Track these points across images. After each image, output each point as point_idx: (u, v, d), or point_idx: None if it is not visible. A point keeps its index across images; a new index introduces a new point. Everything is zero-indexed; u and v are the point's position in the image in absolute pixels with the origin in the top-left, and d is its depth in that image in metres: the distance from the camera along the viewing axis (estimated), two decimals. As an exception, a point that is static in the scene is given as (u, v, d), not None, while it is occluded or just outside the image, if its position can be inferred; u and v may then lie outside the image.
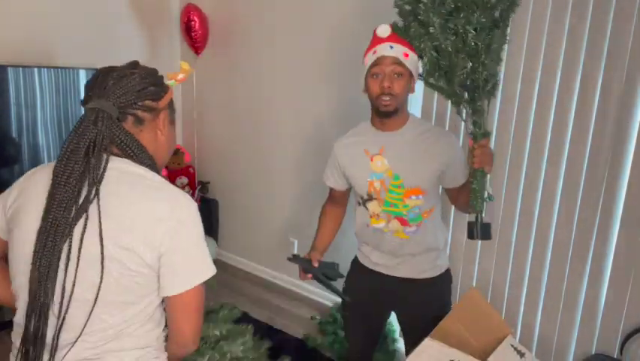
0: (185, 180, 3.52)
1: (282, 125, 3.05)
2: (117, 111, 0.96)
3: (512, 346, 1.52)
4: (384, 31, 1.53)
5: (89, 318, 0.91)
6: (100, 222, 0.89)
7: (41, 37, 2.79)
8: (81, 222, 0.89)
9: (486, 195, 1.49)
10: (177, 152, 3.55)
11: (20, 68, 2.57)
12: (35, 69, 2.62)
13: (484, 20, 1.36)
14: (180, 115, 3.74)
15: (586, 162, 1.90)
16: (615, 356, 1.90)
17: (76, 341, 0.91)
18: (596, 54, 1.83)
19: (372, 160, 1.60)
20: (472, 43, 1.37)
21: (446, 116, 2.26)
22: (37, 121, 2.65)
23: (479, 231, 1.49)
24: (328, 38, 2.70)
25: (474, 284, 2.25)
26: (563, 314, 2.03)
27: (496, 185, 2.14)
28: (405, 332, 1.83)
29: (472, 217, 1.54)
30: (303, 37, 2.84)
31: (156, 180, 0.97)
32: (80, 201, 0.90)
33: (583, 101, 1.88)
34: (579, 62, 1.87)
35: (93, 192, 0.90)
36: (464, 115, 1.51)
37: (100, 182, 0.91)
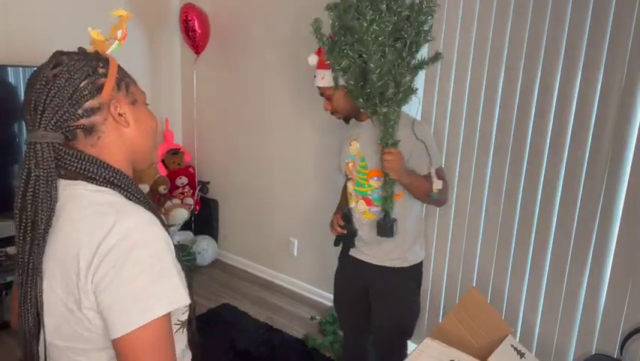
0: (185, 180, 3.52)
1: (282, 125, 3.05)
2: (59, 134, 0.81)
3: (512, 346, 1.52)
4: (311, 61, 1.84)
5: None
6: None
7: (41, 37, 2.79)
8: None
9: (433, 190, 1.66)
10: (177, 152, 3.55)
11: (20, 68, 2.57)
12: (35, 69, 2.62)
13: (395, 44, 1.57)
14: (180, 115, 3.74)
15: (586, 162, 1.90)
16: (615, 356, 1.90)
17: None
18: (596, 54, 1.83)
19: (350, 145, 1.83)
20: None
21: (446, 117, 2.26)
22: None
23: (381, 229, 1.68)
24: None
25: (474, 284, 2.25)
26: (563, 314, 2.03)
27: (496, 185, 2.14)
28: (375, 322, 1.88)
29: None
30: (304, 37, 2.84)
31: (105, 203, 0.82)
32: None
33: (583, 101, 1.88)
34: (579, 62, 1.87)
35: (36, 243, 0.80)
36: (375, 122, 1.70)
37: (46, 227, 0.80)
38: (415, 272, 1.82)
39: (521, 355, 1.51)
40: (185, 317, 0.93)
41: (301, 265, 3.12)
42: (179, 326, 0.91)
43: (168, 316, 0.79)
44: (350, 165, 1.82)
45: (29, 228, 0.81)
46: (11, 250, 2.67)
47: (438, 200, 1.74)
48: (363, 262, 1.81)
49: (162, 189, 3.35)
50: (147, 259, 0.77)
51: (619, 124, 1.81)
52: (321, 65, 1.78)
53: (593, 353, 1.96)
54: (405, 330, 1.87)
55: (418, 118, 2.34)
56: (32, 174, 0.80)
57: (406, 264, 1.78)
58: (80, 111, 0.82)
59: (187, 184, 3.53)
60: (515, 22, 2.00)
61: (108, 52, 0.92)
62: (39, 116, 0.80)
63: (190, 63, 3.46)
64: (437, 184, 1.65)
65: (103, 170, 0.84)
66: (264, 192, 3.24)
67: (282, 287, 3.21)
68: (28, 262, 0.81)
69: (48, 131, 0.80)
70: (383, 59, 1.54)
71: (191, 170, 3.57)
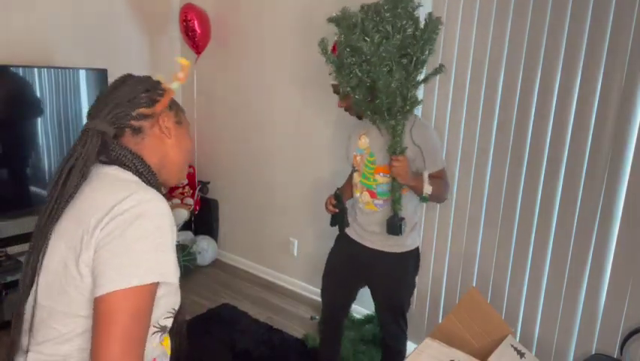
0: (185, 180, 3.52)
1: (282, 125, 3.05)
2: (112, 128, 0.93)
3: (512, 346, 1.52)
4: None
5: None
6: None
7: (41, 37, 2.79)
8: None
9: (424, 195, 1.78)
10: (177, 152, 3.54)
11: (20, 68, 2.57)
12: (35, 69, 2.62)
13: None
14: (180, 115, 3.73)
15: (586, 162, 1.90)
16: (615, 356, 1.90)
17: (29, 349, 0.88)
18: (596, 54, 1.83)
19: (360, 138, 1.91)
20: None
21: (446, 118, 2.26)
22: (37, 121, 2.65)
23: (391, 227, 1.79)
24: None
25: (474, 284, 2.25)
26: (563, 314, 2.03)
27: (496, 185, 2.14)
28: (375, 302, 2.01)
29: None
30: (304, 37, 2.84)
31: (131, 180, 0.92)
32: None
33: (583, 102, 1.88)
34: (579, 62, 1.87)
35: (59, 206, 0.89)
36: (382, 131, 1.80)
37: (68, 200, 0.89)
38: (411, 256, 1.92)
39: (521, 355, 1.51)
40: (166, 322, 0.93)
41: (301, 265, 3.12)
42: (157, 330, 0.91)
43: (154, 288, 0.83)
44: (358, 158, 1.91)
45: (54, 201, 0.90)
46: (11, 250, 2.67)
47: (433, 200, 1.87)
48: (363, 245, 1.92)
49: (162, 189, 3.34)
50: (152, 230, 0.83)
51: (619, 124, 1.81)
52: None
53: (593, 353, 1.96)
54: (403, 306, 1.99)
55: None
56: (75, 154, 0.90)
57: (404, 249, 1.88)
58: (134, 113, 0.95)
59: (187, 184, 3.53)
60: (515, 22, 2.00)
61: (172, 85, 1.07)
62: (101, 110, 0.94)
63: (190, 63, 3.46)
64: (427, 189, 1.75)
65: (137, 162, 0.94)
66: (264, 192, 3.24)
67: (282, 287, 3.21)
68: (41, 229, 0.89)
69: (103, 122, 0.92)
70: (390, 77, 1.64)
71: (191, 170, 3.57)
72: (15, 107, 2.58)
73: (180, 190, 3.50)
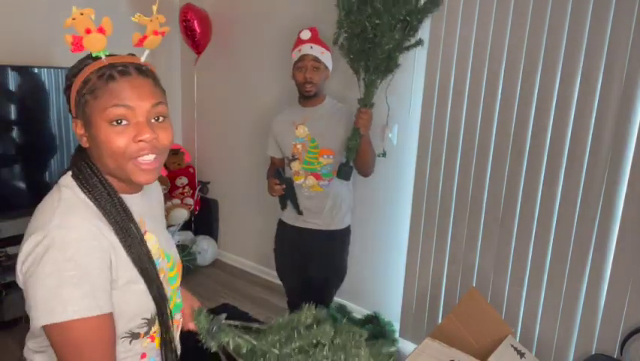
0: (185, 180, 3.52)
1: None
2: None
3: (512, 346, 1.53)
4: (306, 35, 2.12)
5: None
6: None
7: (41, 37, 2.79)
8: None
9: (382, 150, 2.31)
10: (177, 152, 3.55)
11: (20, 68, 2.57)
12: (35, 69, 2.62)
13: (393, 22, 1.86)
14: (180, 115, 3.74)
15: (586, 162, 1.90)
16: (615, 356, 1.90)
17: None
18: (596, 54, 1.83)
19: (296, 128, 2.13)
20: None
21: (446, 117, 2.26)
22: (37, 121, 2.65)
23: (342, 172, 2.06)
24: (330, 38, 2.70)
25: (474, 284, 2.25)
26: (563, 314, 2.03)
27: (496, 185, 2.14)
28: (314, 282, 2.19)
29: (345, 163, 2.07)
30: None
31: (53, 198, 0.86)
32: None
33: (583, 101, 1.88)
34: (579, 61, 1.87)
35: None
36: (360, 86, 2.02)
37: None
38: (345, 233, 2.24)
39: (521, 355, 1.51)
40: (140, 329, 0.90)
41: (301, 265, 3.12)
42: (127, 337, 0.89)
43: (84, 321, 0.78)
44: (299, 146, 2.12)
45: None
46: (11, 250, 2.67)
47: (370, 162, 2.15)
48: (305, 229, 2.18)
49: (162, 189, 3.34)
50: (61, 262, 0.77)
51: (619, 124, 1.81)
52: (317, 41, 2.11)
53: (593, 353, 1.96)
54: (337, 279, 2.27)
55: (417, 118, 2.34)
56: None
57: (341, 226, 2.19)
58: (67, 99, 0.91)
59: (187, 184, 3.53)
60: (515, 22, 2.00)
61: (143, 58, 0.95)
62: None
63: (190, 63, 3.46)
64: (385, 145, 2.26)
65: (74, 165, 0.89)
66: (264, 192, 3.24)
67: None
68: None
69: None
70: (391, 36, 1.84)
71: (191, 170, 3.57)
72: (15, 107, 2.58)
73: (180, 190, 3.50)
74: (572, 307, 2.00)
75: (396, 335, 2.52)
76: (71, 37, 0.83)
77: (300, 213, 2.17)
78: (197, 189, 3.52)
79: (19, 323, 2.63)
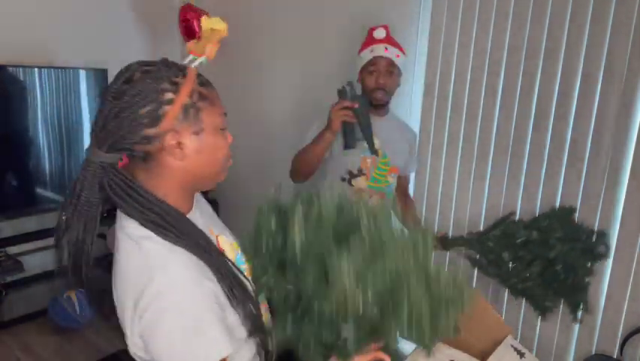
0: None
1: (282, 125, 3.05)
2: (114, 156, 0.79)
3: (512, 346, 1.52)
4: (380, 33, 1.82)
5: None
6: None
7: (41, 37, 2.78)
8: None
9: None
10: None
11: (20, 68, 2.57)
12: (35, 69, 2.62)
13: None
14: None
15: (586, 162, 1.90)
16: (615, 356, 1.90)
17: None
18: (596, 53, 1.83)
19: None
20: None
21: (446, 116, 2.26)
22: (37, 121, 2.65)
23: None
24: (331, 38, 2.70)
25: (474, 284, 2.25)
26: (563, 314, 2.03)
27: (496, 184, 2.14)
28: None
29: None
30: (305, 38, 2.84)
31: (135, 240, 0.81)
32: None
33: (583, 101, 1.88)
34: (579, 61, 1.87)
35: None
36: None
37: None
38: None
39: (521, 355, 1.51)
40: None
41: (301, 265, 3.11)
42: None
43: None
44: (368, 160, 1.83)
45: (76, 242, 0.80)
46: (11, 250, 2.67)
47: None
48: None
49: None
50: (179, 320, 0.77)
51: (619, 124, 1.81)
52: (392, 42, 1.84)
53: (593, 353, 1.96)
54: None
55: (417, 121, 2.34)
56: (82, 195, 0.78)
57: None
58: (136, 138, 0.78)
59: (187, 184, 3.52)
60: (515, 23, 2.00)
61: (194, 65, 0.86)
62: (97, 133, 0.78)
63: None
64: None
65: (147, 206, 0.80)
66: (264, 192, 3.23)
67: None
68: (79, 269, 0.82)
69: (102, 151, 0.77)
70: None
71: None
72: (15, 107, 2.58)
73: (180, 190, 3.50)
74: (572, 308, 2.00)
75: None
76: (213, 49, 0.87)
77: (375, 152, 1.78)
78: (197, 189, 3.52)
79: (19, 323, 2.63)
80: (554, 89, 1.94)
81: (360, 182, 1.84)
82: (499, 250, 1.59)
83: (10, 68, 2.53)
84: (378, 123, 1.79)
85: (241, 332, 0.87)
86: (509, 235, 1.57)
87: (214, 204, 3.59)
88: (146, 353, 0.81)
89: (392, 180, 1.86)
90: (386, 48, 1.79)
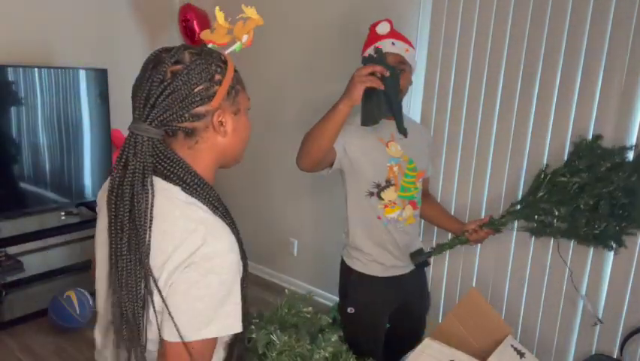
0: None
1: (282, 125, 3.05)
2: (161, 132, 0.83)
3: (512, 346, 1.52)
4: (384, 28, 1.61)
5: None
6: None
7: (41, 37, 2.79)
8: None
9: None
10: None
11: (20, 68, 2.57)
12: (35, 69, 2.62)
13: None
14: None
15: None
16: (615, 356, 1.90)
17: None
18: (596, 53, 1.83)
19: (387, 146, 1.61)
20: None
21: (446, 120, 2.26)
22: (37, 121, 2.65)
23: (421, 263, 1.70)
24: (331, 38, 2.70)
25: (474, 284, 2.25)
26: (563, 314, 2.03)
27: (496, 186, 2.14)
28: (406, 330, 1.81)
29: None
30: (305, 38, 2.84)
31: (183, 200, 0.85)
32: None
33: (583, 101, 1.88)
34: (579, 61, 1.87)
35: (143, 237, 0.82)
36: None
37: (149, 226, 0.82)
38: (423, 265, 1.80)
39: (521, 355, 1.51)
40: (226, 338, 0.94)
41: (301, 265, 3.12)
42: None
43: (214, 339, 0.84)
44: (395, 168, 1.61)
45: (126, 217, 0.81)
46: (11, 250, 2.67)
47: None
48: (404, 276, 1.70)
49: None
50: (216, 285, 0.81)
51: (619, 124, 1.81)
52: (398, 35, 1.62)
53: (593, 353, 1.96)
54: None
55: (418, 114, 2.34)
56: (130, 165, 0.82)
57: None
58: (187, 115, 0.83)
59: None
60: (515, 22, 2.00)
61: (228, 52, 0.95)
62: (148, 110, 0.82)
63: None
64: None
65: (187, 175, 0.85)
66: (264, 192, 3.24)
67: (282, 287, 3.21)
68: (128, 251, 0.81)
69: (152, 127, 0.82)
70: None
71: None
72: (15, 107, 2.58)
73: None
74: (572, 308, 2.00)
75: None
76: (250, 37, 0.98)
77: (404, 132, 1.54)
78: (197, 189, 3.52)
79: (19, 323, 2.63)
80: (554, 88, 1.94)
81: (389, 193, 1.62)
82: (553, 207, 1.55)
83: (10, 68, 2.53)
84: (395, 128, 1.58)
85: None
86: (560, 188, 1.54)
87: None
88: (163, 303, 0.82)
89: (420, 186, 1.68)
90: (393, 43, 1.58)
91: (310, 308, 1.92)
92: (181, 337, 0.80)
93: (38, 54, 2.77)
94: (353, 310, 1.69)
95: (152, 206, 0.81)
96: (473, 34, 2.12)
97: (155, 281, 0.80)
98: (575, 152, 1.63)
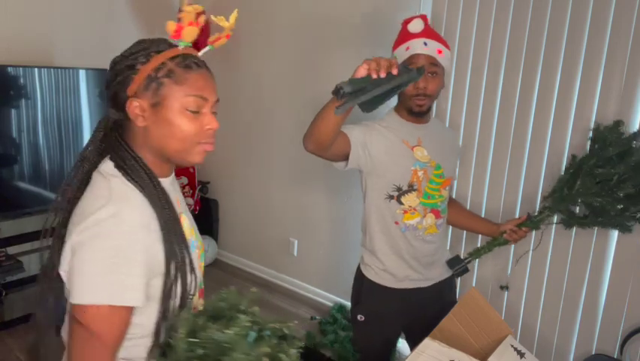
0: (185, 180, 3.52)
1: (282, 126, 3.05)
2: (118, 113, 0.91)
3: (512, 346, 1.52)
4: (417, 26, 1.49)
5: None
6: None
7: (41, 37, 2.79)
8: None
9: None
10: (177, 152, 3.54)
11: (20, 68, 2.57)
12: (35, 69, 2.62)
13: None
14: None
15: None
16: (615, 356, 1.90)
17: None
18: (596, 53, 1.83)
19: (413, 150, 1.54)
20: None
21: (446, 115, 2.26)
22: (37, 121, 2.65)
23: (458, 272, 1.70)
24: (331, 38, 2.70)
25: (474, 284, 2.25)
26: (563, 314, 2.03)
27: (496, 183, 2.14)
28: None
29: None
30: (305, 38, 2.84)
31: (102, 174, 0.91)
32: None
33: (582, 100, 1.88)
34: (579, 61, 1.87)
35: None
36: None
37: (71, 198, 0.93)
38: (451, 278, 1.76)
39: (521, 355, 1.51)
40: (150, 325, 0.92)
41: (301, 265, 3.12)
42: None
43: (112, 309, 0.83)
44: (419, 173, 1.53)
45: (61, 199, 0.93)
46: (11, 250, 2.67)
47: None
48: (423, 290, 1.64)
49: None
50: (108, 250, 0.82)
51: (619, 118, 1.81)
52: (432, 35, 1.51)
53: (593, 353, 1.96)
54: None
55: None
56: (88, 148, 0.94)
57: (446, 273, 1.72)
58: (113, 100, 0.91)
59: (187, 184, 3.52)
60: (515, 22, 2.00)
61: (201, 53, 1.00)
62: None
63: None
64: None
65: (120, 154, 0.91)
66: (264, 192, 3.24)
67: (282, 287, 3.21)
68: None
69: (110, 108, 0.92)
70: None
71: (191, 170, 3.57)
72: (15, 107, 2.58)
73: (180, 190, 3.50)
74: (572, 307, 2.00)
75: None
76: (175, 25, 0.95)
77: (365, 109, 1.32)
78: (197, 189, 3.52)
79: (19, 323, 2.63)
80: (554, 88, 1.94)
81: (410, 199, 1.54)
82: (590, 198, 1.54)
83: (10, 68, 2.53)
84: (422, 132, 1.55)
85: (154, 303, 0.90)
86: (599, 179, 1.53)
87: (214, 204, 3.60)
88: (68, 267, 0.86)
89: (446, 194, 1.59)
90: (425, 43, 1.47)
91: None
92: (72, 298, 0.83)
93: (38, 54, 2.77)
94: (363, 318, 1.65)
95: (80, 181, 0.91)
96: (473, 34, 2.12)
97: (60, 240, 0.88)
98: (598, 139, 1.60)
